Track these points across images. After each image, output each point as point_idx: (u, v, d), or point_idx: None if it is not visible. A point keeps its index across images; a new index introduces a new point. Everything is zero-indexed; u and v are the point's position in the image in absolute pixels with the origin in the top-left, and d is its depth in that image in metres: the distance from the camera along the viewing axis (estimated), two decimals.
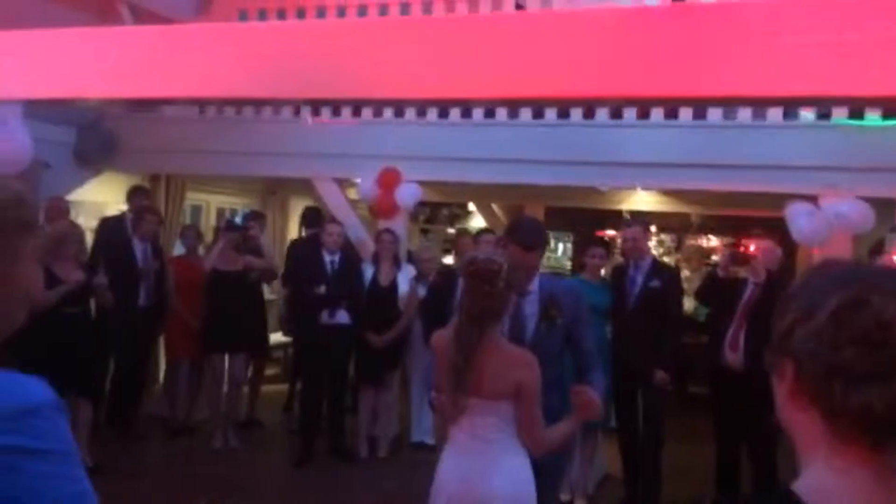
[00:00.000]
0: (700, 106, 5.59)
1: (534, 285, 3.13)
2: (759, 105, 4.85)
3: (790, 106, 4.89)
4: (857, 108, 5.10)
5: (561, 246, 11.66)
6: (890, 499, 0.86)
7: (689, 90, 3.59)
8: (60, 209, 5.98)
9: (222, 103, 6.42)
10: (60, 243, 5.19)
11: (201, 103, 7.03)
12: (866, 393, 0.84)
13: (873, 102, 4.23)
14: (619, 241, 8.93)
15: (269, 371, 8.24)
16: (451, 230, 11.22)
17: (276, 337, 8.17)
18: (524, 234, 3.11)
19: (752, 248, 5.23)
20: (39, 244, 4.52)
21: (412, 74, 3.77)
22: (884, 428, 0.85)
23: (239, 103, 6.22)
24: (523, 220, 3.25)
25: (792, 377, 0.91)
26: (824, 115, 5.52)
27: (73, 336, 5.03)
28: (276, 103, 5.88)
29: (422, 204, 9.85)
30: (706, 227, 10.10)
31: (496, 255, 2.83)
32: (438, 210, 11.24)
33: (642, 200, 8.18)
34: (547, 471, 2.91)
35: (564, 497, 5.28)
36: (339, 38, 3.96)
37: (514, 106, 5.83)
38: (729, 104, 4.96)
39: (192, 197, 8.47)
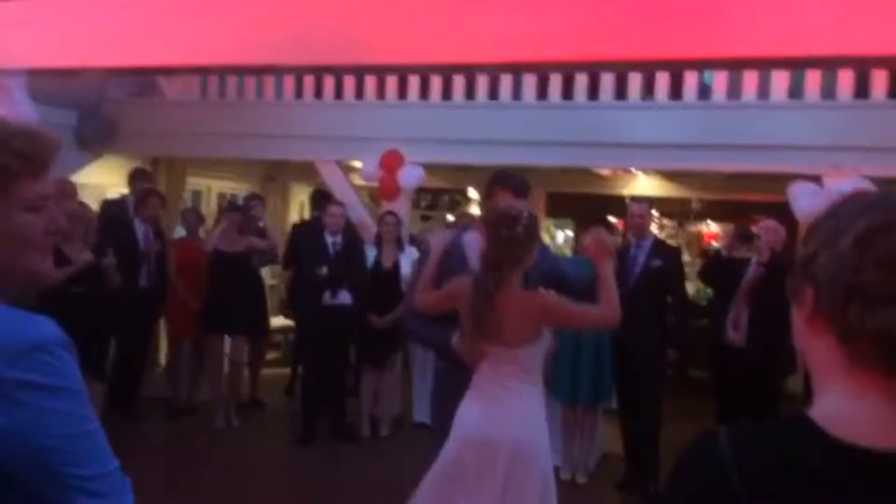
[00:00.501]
0: (705, 68, 5.52)
1: None
2: (763, 66, 4.81)
3: (794, 67, 4.86)
4: (861, 68, 5.06)
5: (561, 234, 11.64)
6: (894, 416, 0.87)
7: (694, 51, 3.58)
8: (66, 191, 5.97)
9: (227, 71, 6.38)
10: (70, 224, 5.20)
11: (204, 76, 7.01)
12: (884, 316, 0.85)
13: (879, 62, 4.21)
14: (620, 227, 8.98)
15: (270, 355, 8.24)
16: (452, 217, 11.21)
17: (278, 321, 8.17)
18: (513, 180, 3.02)
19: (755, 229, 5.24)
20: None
21: (413, 39, 3.77)
22: None
23: (244, 71, 6.20)
24: (507, 171, 3.20)
25: (811, 303, 0.91)
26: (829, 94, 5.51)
27: (82, 316, 5.02)
28: (280, 70, 5.86)
29: (423, 190, 9.87)
30: (707, 212, 10.10)
31: (518, 205, 2.80)
32: (439, 197, 11.22)
33: (644, 185, 8.19)
34: None
35: (565, 475, 5.30)
36: (340, 4, 3.95)
37: (516, 71, 5.79)
38: (733, 66, 4.92)
39: (193, 182, 8.46)
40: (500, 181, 3.03)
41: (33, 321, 1.07)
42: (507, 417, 2.68)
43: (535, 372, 2.74)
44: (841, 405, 0.89)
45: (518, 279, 2.72)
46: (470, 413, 2.74)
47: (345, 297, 6.01)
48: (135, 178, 6.91)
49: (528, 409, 2.72)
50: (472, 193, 10.84)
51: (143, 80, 7.44)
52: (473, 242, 3.02)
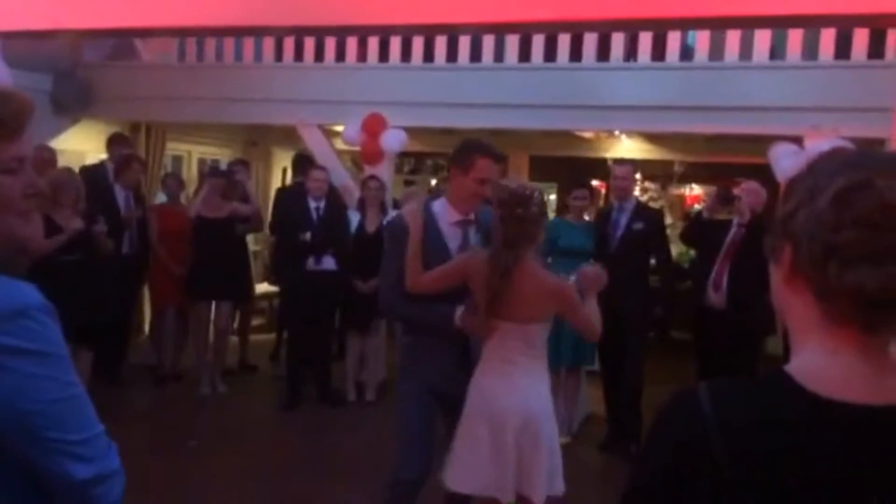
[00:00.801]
0: (687, 27, 5.48)
1: (473, 215, 3.05)
2: (745, 25, 4.79)
3: (776, 26, 4.84)
4: (843, 28, 5.06)
5: (545, 197, 11.66)
6: (875, 374, 0.89)
7: (676, 10, 3.55)
8: (45, 158, 5.88)
9: (205, 33, 6.27)
10: (58, 191, 5.17)
11: (182, 38, 6.90)
12: (860, 273, 0.85)
13: (860, 21, 4.20)
14: (603, 190, 9.00)
15: (255, 321, 8.24)
16: (435, 181, 11.18)
17: (262, 287, 8.16)
18: (492, 147, 3.00)
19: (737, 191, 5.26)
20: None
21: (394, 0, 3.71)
22: (875, 309, 0.87)
23: (222, 33, 6.10)
24: (477, 138, 3.20)
25: (789, 261, 0.92)
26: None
27: (73, 284, 4.99)
28: (260, 32, 5.77)
29: (406, 154, 9.81)
30: (690, 175, 10.13)
31: (527, 183, 2.88)
32: (422, 161, 11.18)
33: (627, 148, 8.18)
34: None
35: None
36: None
37: (499, 32, 5.74)
38: (715, 26, 4.90)
39: (173, 147, 8.36)
40: (478, 149, 3.00)
41: (15, 287, 1.07)
42: (515, 391, 2.76)
43: (541, 347, 2.83)
44: (818, 361, 0.91)
45: (532, 256, 2.79)
46: (480, 388, 2.81)
47: (329, 263, 6.00)
48: (113, 143, 6.81)
49: (535, 383, 2.81)
50: None
51: (119, 42, 7.30)
52: (443, 212, 3.02)
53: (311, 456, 5.01)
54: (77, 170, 6.59)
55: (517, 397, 2.76)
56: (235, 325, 6.94)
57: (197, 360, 6.47)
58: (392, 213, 6.33)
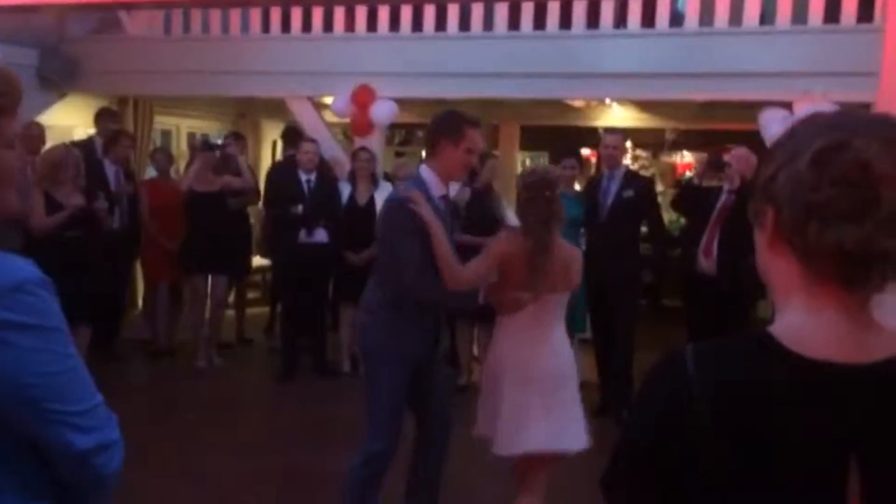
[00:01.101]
0: None
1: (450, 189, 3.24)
2: None
3: None
4: None
5: None
6: (857, 333, 0.91)
7: None
8: (35, 135, 5.83)
9: (191, 5, 6.22)
10: (57, 168, 5.17)
11: (167, 11, 6.83)
12: (840, 232, 0.87)
13: None
14: (594, 159, 9.00)
15: (249, 294, 8.26)
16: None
17: (255, 261, 8.16)
18: (477, 118, 3.14)
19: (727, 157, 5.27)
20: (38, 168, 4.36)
21: None
22: (855, 266, 0.89)
23: (208, 4, 6.05)
24: (461, 109, 3.30)
25: (772, 224, 0.93)
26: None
27: (74, 260, 5.00)
28: (246, 3, 5.71)
29: (396, 126, 9.77)
30: (681, 143, 10.13)
31: (550, 167, 3.11)
32: (413, 132, 11.13)
33: (617, 116, 8.17)
34: None
35: None
36: None
37: (489, 0, 5.72)
38: None
39: (161, 121, 8.31)
40: (468, 120, 3.10)
41: (14, 262, 1.08)
42: (550, 353, 3.06)
43: (563, 314, 3.17)
44: (800, 321, 0.92)
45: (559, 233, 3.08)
46: (521, 357, 3.04)
47: (321, 235, 6.01)
48: (101, 117, 6.77)
49: (564, 344, 3.15)
50: None
51: (105, 16, 7.22)
52: (432, 185, 3.12)
53: (306, 426, 5.06)
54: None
55: (560, 359, 3.08)
56: (231, 298, 6.95)
57: (194, 334, 6.49)
58: (383, 185, 6.33)
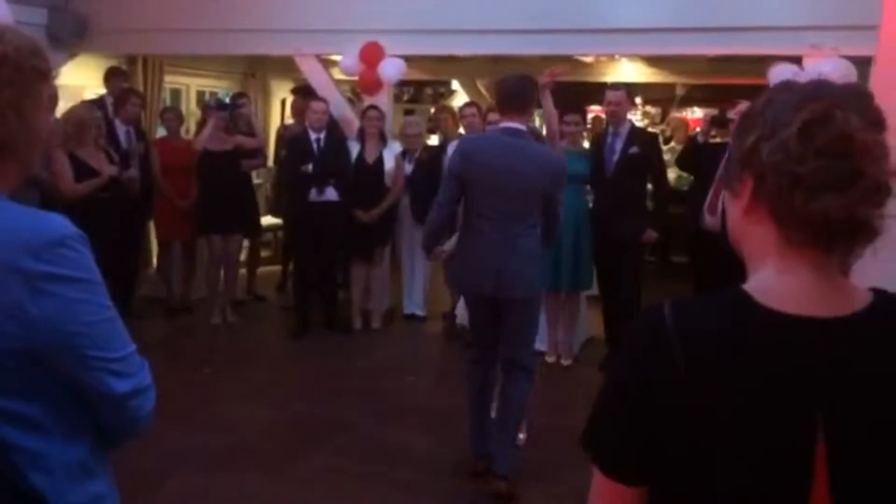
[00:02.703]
0: None
1: None
2: None
3: None
4: None
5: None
6: (824, 291, 0.96)
7: None
8: (50, 95, 5.87)
9: None
10: (81, 129, 5.25)
11: None
12: (825, 201, 0.91)
13: None
14: (604, 115, 8.95)
15: (263, 253, 8.37)
16: (434, 109, 11.11)
17: (266, 220, 8.25)
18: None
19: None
20: (61, 129, 4.51)
21: None
22: (836, 233, 0.93)
23: None
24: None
25: (750, 193, 0.97)
26: None
27: (106, 220, 5.09)
28: None
29: (405, 83, 9.73)
30: (691, 98, 10.06)
31: None
32: (422, 89, 11.09)
33: (627, 71, 8.12)
34: None
35: (550, 358, 5.55)
36: None
37: None
38: None
39: (171, 80, 8.32)
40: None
41: (52, 219, 1.16)
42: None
43: None
44: (774, 280, 0.97)
45: None
46: None
47: (331, 194, 6.07)
48: (111, 77, 6.79)
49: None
50: (456, 85, 10.72)
51: None
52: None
53: (320, 381, 5.19)
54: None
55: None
56: (243, 257, 7.05)
57: (209, 293, 6.61)
58: (392, 143, 6.35)
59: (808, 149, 0.91)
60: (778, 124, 0.94)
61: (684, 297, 1.02)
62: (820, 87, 0.97)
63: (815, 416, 0.92)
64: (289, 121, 8.23)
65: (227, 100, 7.20)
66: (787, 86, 1.00)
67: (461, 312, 5.01)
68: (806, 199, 0.92)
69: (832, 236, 0.94)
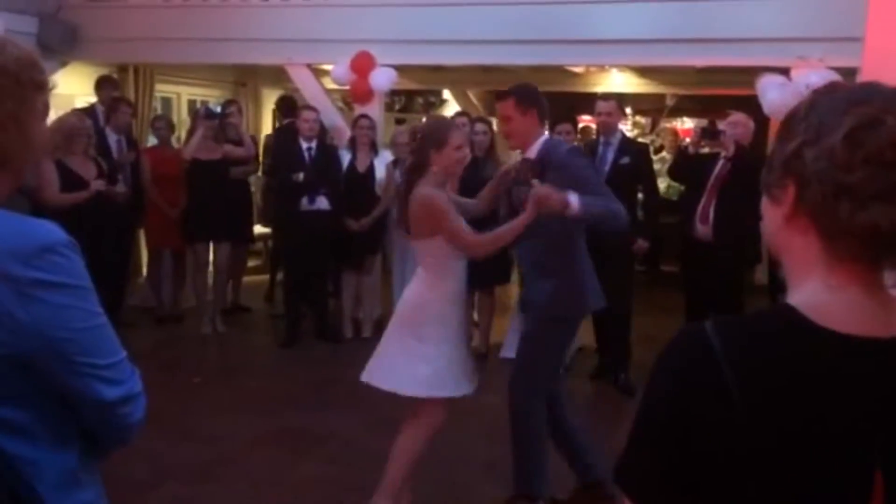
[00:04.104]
0: None
1: (532, 152, 3.21)
2: None
3: None
4: None
5: None
6: (876, 308, 0.90)
7: None
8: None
9: None
10: (70, 138, 5.24)
11: None
12: (873, 212, 0.85)
13: None
14: (594, 126, 8.99)
15: (252, 262, 8.35)
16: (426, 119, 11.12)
17: (257, 228, 8.23)
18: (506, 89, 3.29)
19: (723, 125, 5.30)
20: (50, 138, 4.50)
21: None
22: (885, 246, 0.88)
23: None
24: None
25: (792, 200, 0.91)
26: None
27: (81, 228, 5.06)
28: None
29: (396, 93, 9.76)
30: (680, 108, 10.13)
31: (439, 120, 3.36)
32: (413, 99, 11.12)
33: (617, 82, 8.17)
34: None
35: None
36: None
37: None
38: None
39: (162, 88, 8.33)
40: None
41: (42, 225, 1.16)
42: (408, 292, 3.31)
43: (433, 263, 3.18)
44: (822, 296, 0.90)
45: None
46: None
47: (322, 203, 6.07)
48: (101, 85, 6.79)
49: (419, 285, 3.26)
50: (447, 94, 10.76)
51: None
52: None
53: (310, 390, 5.17)
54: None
55: (410, 296, 3.23)
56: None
57: (198, 301, 6.58)
58: (383, 152, 6.36)
59: (856, 156, 0.86)
60: (823, 129, 0.88)
61: (725, 317, 0.94)
62: (868, 90, 0.91)
63: (873, 445, 0.87)
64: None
65: (218, 108, 7.21)
66: (832, 88, 0.94)
67: (511, 344, 4.99)
68: (853, 210, 0.86)
69: (880, 249, 0.88)
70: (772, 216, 0.95)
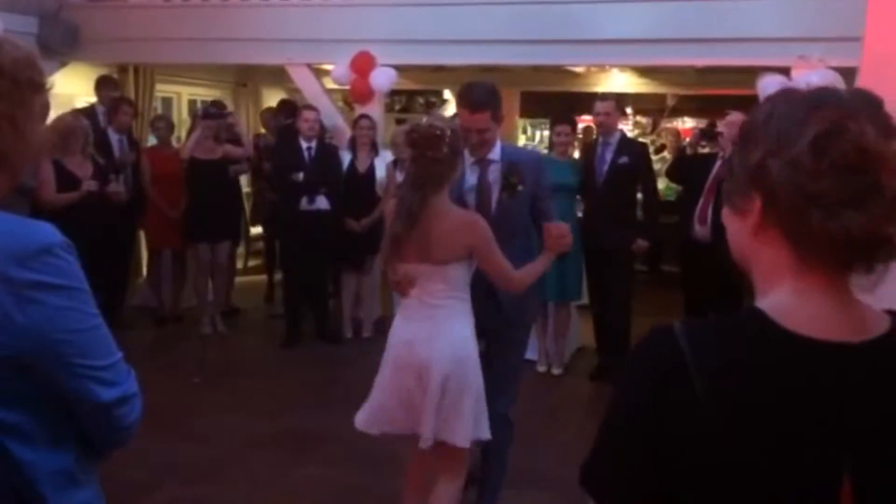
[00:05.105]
0: None
1: (495, 154, 3.12)
2: None
3: None
4: None
5: (538, 134, 11.64)
6: (846, 314, 0.91)
7: None
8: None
9: None
10: (67, 138, 5.24)
11: None
12: (844, 219, 0.85)
13: None
14: (594, 124, 9.00)
15: (253, 262, 8.36)
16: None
17: (256, 229, 8.24)
18: (470, 95, 2.99)
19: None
20: (47, 138, 4.50)
21: None
22: (858, 251, 0.87)
23: None
24: (473, 83, 3.09)
25: (759, 212, 0.91)
26: None
27: (80, 229, 5.06)
28: None
29: (396, 93, 9.76)
30: (681, 108, 10.12)
31: (439, 121, 2.78)
32: (414, 99, 11.12)
33: (618, 82, 8.17)
34: (516, 322, 3.18)
35: (541, 367, 5.55)
36: None
37: None
38: None
39: (162, 89, 8.32)
40: (459, 97, 3.11)
41: (38, 227, 1.16)
42: (432, 336, 2.75)
43: (463, 287, 2.78)
44: (790, 302, 0.90)
45: (443, 197, 2.72)
46: (399, 334, 2.88)
47: (322, 203, 6.07)
48: (101, 86, 6.78)
49: (453, 326, 2.78)
50: (447, 94, 10.76)
51: None
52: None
53: (310, 390, 5.17)
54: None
55: (445, 342, 2.72)
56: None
57: (198, 302, 6.58)
58: (383, 152, 6.37)
59: (822, 164, 0.85)
60: (785, 138, 0.88)
61: (694, 320, 0.94)
62: (824, 95, 0.90)
63: (843, 451, 0.86)
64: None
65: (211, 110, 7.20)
66: (786, 94, 0.93)
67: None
68: (823, 218, 0.86)
69: (852, 255, 0.88)
70: (738, 228, 0.95)
